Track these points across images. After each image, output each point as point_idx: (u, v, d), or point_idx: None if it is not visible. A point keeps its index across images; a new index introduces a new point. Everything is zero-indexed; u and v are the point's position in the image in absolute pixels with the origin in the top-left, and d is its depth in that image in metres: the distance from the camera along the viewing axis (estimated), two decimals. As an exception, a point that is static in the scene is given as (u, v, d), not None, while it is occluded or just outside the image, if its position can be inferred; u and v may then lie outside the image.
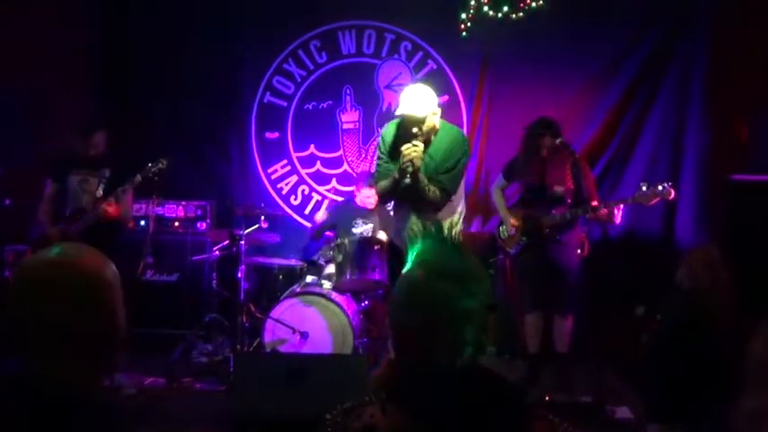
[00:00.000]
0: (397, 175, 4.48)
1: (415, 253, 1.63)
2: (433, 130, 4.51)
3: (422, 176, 4.42)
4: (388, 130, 4.70)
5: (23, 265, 1.62)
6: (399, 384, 1.54)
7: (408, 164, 4.31)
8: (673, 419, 3.38)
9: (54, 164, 5.46)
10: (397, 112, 4.50)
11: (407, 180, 4.41)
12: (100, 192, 5.28)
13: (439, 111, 4.53)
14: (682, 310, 3.59)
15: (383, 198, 5.02)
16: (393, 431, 1.48)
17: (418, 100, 4.42)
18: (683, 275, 3.65)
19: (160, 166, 5.23)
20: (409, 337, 1.58)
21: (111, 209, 5.15)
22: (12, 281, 1.55)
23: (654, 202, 5.10)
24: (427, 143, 4.48)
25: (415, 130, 4.34)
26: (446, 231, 1.64)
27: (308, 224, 7.03)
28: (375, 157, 4.98)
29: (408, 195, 4.55)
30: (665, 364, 3.49)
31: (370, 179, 6.07)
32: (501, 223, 5.74)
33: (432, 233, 1.63)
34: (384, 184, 4.65)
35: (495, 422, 1.48)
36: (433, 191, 4.47)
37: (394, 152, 4.54)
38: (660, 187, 5.05)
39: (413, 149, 4.30)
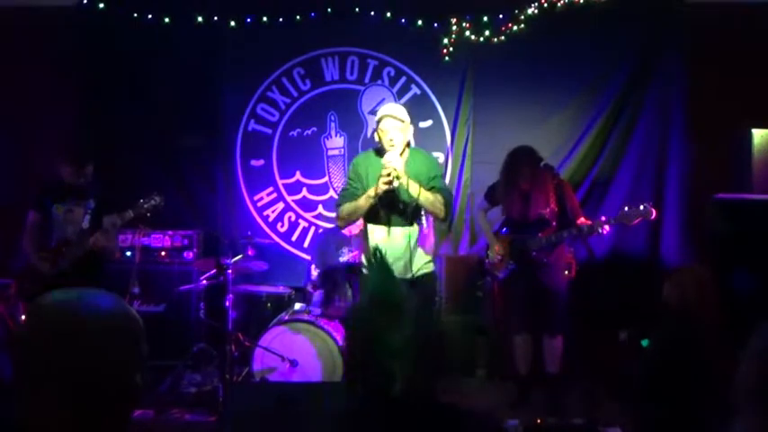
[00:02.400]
0: (373, 193, 4.65)
1: (367, 281, 1.62)
2: (405, 145, 4.75)
3: (412, 184, 4.58)
4: (361, 158, 5.00)
5: (41, 308, 1.45)
6: (349, 421, 1.52)
7: (391, 171, 4.51)
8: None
9: (36, 194, 5.37)
10: (379, 113, 4.75)
11: (396, 184, 4.55)
12: (86, 223, 5.23)
13: (412, 129, 4.84)
14: (670, 328, 3.61)
15: (345, 220, 5.05)
16: None
17: (399, 107, 4.80)
18: (670, 294, 3.67)
19: (153, 202, 5.20)
20: (350, 364, 1.58)
21: (99, 243, 5.11)
22: (28, 326, 1.42)
23: (636, 222, 5.16)
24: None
25: (388, 137, 4.63)
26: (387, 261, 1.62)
27: (297, 251, 7.04)
28: (343, 183, 5.21)
29: (383, 214, 4.72)
30: (656, 381, 3.50)
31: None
32: (488, 247, 5.75)
33: (377, 262, 1.62)
34: (348, 205, 4.82)
35: None
36: (432, 196, 4.64)
37: (366, 179, 4.78)
38: (642, 207, 5.11)
39: (392, 160, 4.54)
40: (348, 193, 4.87)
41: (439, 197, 4.67)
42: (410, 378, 1.44)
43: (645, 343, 4.65)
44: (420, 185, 4.63)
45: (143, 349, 1.47)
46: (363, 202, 4.73)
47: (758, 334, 1.33)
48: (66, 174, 5.21)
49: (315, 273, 6.24)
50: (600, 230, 5.21)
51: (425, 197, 4.61)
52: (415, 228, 4.76)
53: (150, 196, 5.22)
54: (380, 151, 4.79)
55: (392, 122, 4.67)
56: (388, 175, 4.53)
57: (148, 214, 5.23)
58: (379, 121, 4.74)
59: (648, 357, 3.69)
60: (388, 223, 4.75)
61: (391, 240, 4.72)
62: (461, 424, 1.51)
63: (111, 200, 5.30)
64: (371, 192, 4.66)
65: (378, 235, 4.80)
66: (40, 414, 1.36)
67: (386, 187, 4.59)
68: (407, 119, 4.75)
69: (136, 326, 1.48)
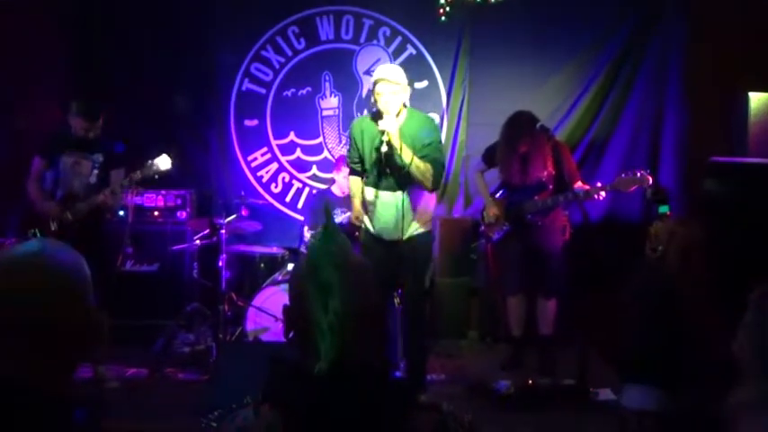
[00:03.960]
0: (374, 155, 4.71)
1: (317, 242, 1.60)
2: (401, 107, 4.74)
3: (405, 150, 4.56)
4: (356, 122, 5.03)
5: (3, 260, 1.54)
6: (274, 384, 1.52)
7: (385, 136, 4.52)
8: (646, 381, 3.40)
9: (45, 141, 5.26)
10: (374, 76, 4.71)
11: (385, 149, 4.55)
12: (93, 178, 5.14)
13: (409, 90, 4.80)
14: (652, 281, 3.61)
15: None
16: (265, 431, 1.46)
17: (393, 68, 4.76)
18: (655, 248, 3.65)
19: (162, 165, 5.14)
20: (288, 329, 1.57)
21: (109, 201, 5.05)
22: None
23: (632, 189, 5.15)
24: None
25: (384, 101, 4.61)
26: (339, 235, 1.60)
27: (290, 212, 7.02)
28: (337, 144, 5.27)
29: (374, 176, 4.75)
30: (640, 330, 3.52)
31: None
32: (484, 209, 5.74)
33: (329, 228, 1.60)
34: (352, 190, 5.06)
35: (371, 420, 1.45)
36: (423, 165, 4.61)
37: (360, 143, 4.82)
38: (638, 174, 5.10)
39: (386, 121, 4.54)
40: (348, 160, 5.04)
41: (429, 168, 4.65)
42: (331, 358, 1.43)
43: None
44: (413, 152, 4.61)
45: (88, 289, 1.54)
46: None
47: (753, 304, 1.32)
48: (76, 126, 5.09)
49: (308, 234, 6.22)
50: (596, 196, 5.20)
51: (416, 166, 4.60)
52: (413, 192, 4.73)
53: (159, 159, 5.14)
54: (376, 114, 4.75)
55: (387, 86, 4.63)
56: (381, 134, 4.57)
57: (156, 176, 5.17)
58: (374, 84, 4.70)
59: (631, 304, 3.69)
60: (377, 186, 4.76)
61: (381, 202, 4.73)
62: (390, 391, 1.51)
63: (117, 151, 5.23)
64: (356, 218, 4.96)
65: (368, 196, 4.81)
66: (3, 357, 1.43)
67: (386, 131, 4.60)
68: (403, 81, 4.70)
69: (80, 267, 1.54)
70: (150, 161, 5.14)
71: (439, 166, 4.76)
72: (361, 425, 1.45)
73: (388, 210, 4.74)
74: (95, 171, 5.13)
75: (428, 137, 4.73)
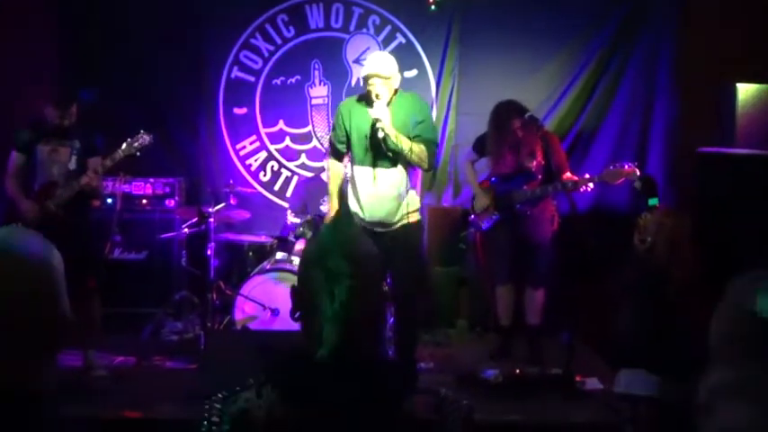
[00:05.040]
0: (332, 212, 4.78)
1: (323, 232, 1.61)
2: (394, 93, 4.73)
3: (400, 136, 4.56)
4: (344, 104, 4.96)
5: None
6: (276, 367, 1.54)
7: (377, 122, 4.50)
8: (639, 367, 3.43)
9: (19, 133, 5.14)
10: (366, 69, 4.67)
11: (381, 135, 4.54)
12: (72, 164, 5.07)
13: (399, 77, 4.76)
14: (642, 269, 3.63)
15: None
16: (266, 414, 1.48)
17: (384, 60, 4.69)
18: (644, 239, 3.67)
19: (142, 141, 5.07)
20: (294, 313, 1.59)
21: (92, 183, 4.98)
22: None
23: (619, 181, 5.16)
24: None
25: (375, 93, 4.57)
26: (349, 220, 1.62)
27: (278, 200, 7.00)
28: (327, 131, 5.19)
29: (370, 159, 4.72)
30: (632, 317, 3.54)
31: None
32: (473, 198, 5.74)
33: (341, 216, 1.61)
34: (330, 175, 4.97)
35: (370, 403, 1.47)
36: (417, 147, 4.61)
37: (348, 125, 4.80)
38: (626, 166, 5.12)
39: (378, 109, 4.52)
40: (333, 140, 4.95)
41: (423, 148, 4.64)
42: (334, 345, 1.45)
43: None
44: (406, 132, 4.62)
45: (61, 281, 1.48)
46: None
47: (735, 286, 1.33)
48: (50, 115, 5.03)
49: (291, 219, 6.21)
50: (584, 188, 5.21)
51: (411, 149, 4.58)
52: (403, 175, 4.73)
53: (139, 135, 5.11)
54: (365, 97, 4.75)
55: (379, 80, 4.62)
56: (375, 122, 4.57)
57: (138, 153, 5.11)
58: (366, 77, 4.68)
59: (622, 290, 3.71)
60: (374, 166, 4.74)
61: (377, 186, 4.72)
62: (387, 373, 1.53)
63: (96, 142, 5.17)
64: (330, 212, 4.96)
65: (364, 180, 4.77)
66: None
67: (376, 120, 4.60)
68: (394, 71, 4.68)
69: (51, 258, 1.49)
70: (130, 139, 5.09)
71: (432, 146, 4.76)
72: (361, 407, 1.47)
73: (384, 193, 4.73)
74: (74, 157, 5.03)
75: (420, 114, 4.74)
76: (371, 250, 1.59)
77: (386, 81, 4.62)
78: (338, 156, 4.92)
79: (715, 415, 1.28)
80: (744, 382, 1.25)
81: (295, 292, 1.59)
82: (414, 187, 4.84)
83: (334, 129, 4.97)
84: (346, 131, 4.82)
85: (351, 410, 1.46)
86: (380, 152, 4.68)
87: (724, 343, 1.32)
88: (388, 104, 4.67)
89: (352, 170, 4.88)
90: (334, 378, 1.46)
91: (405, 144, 4.56)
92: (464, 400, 1.57)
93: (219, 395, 1.58)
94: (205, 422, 1.56)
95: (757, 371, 1.24)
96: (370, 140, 4.65)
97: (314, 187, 6.40)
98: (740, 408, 1.24)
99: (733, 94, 5.89)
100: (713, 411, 1.28)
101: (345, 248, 1.53)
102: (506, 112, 5.37)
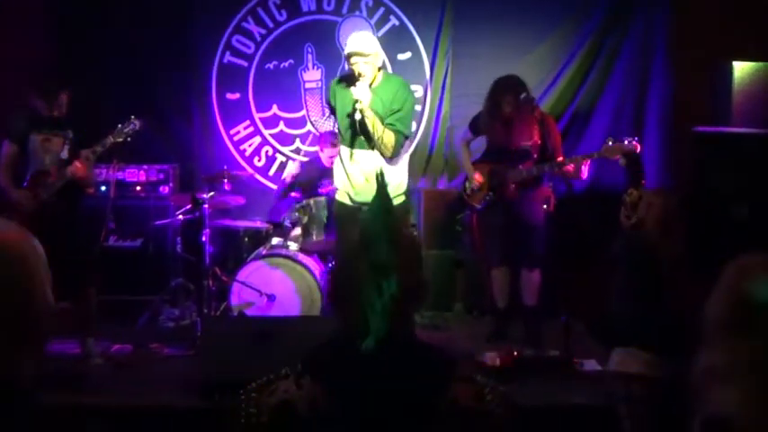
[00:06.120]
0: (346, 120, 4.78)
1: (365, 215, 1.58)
2: (376, 72, 4.77)
3: (375, 118, 4.62)
4: (333, 83, 5.03)
5: None
6: (315, 357, 1.52)
7: (358, 104, 4.57)
8: (632, 344, 3.43)
9: (12, 123, 5.10)
10: (346, 49, 4.74)
11: (359, 117, 4.61)
12: (65, 154, 5.03)
13: (383, 55, 4.84)
14: (633, 246, 3.63)
15: None
16: (308, 404, 1.46)
17: (363, 39, 4.75)
18: (629, 216, 3.66)
19: (133, 126, 5.05)
20: (333, 303, 1.57)
21: (79, 169, 4.94)
22: None
23: (618, 157, 5.13)
24: (370, 88, 4.72)
25: (357, 72, 4.63)
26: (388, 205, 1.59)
27: (274, 186, 6.97)
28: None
29: (349, 137, 4.80)
30: (623, 294, 3.55)
31: (333, 138, 6.00)
32: (466, 179, 5.72)
33: (379, 194, 1.58)
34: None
35: (413, 393, 1.46)
36: (387, 135, 4.67)
37: (336, 103, 4.90)
38: (626, 141, 5.09)
39: (359, 89, 4.58)
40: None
41: (393, 139, 4.71)
42: (379, 335, 1.43)
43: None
44: (382, 116, 4.68)
45: (42, 272, 1.44)
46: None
47: (730, 268, 1.32)
48: (39, 107, 5.00)
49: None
50: (580, 174, 5.20)
51: (380, 135, 4.65)
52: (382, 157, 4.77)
53: (129, 121, 5.08)
54: (350, 77, 4.81)
55: (360, 58, 4.68)
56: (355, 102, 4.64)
57: (129, 139, 5.08)
58: (347, 57, 4.74)
59: (615, 267, 3.71)
60: (352, 146, 4.81)
61: (356, 166, 4.79)
62: (430, 362, 1.52)
63: (89, 131, 5.14)
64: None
65: (346, 159, 4.87)
66: None
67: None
68: (374, 49, 4.72)
69: (33, 249, 1.45)
70: (120, 125, 5.06)
71: (401, 138, 4.79)
72: (403, 398, 1.46)
73: (362, 171, 4.76)
74: (67, 146, 5.00)
75: (398, 103, 4.76)
76: (413, 235, 1.59)
77: (367, 59, 4.67)
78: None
79: (705, 398, 1.27)
80: (733, 366, 1.25)
81: (333, 281, 1.57)
82: (393, 166, 4.83)
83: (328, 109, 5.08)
84: (332, 109, 4.94)
85: (397, 402, 1.45)
86: (358, 133, 4.76)
87: (715, 327, 1.31)
88: (372, 85, 4.71)
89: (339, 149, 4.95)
90: (377, 369, 1.45)
91: (378, 129, 4.63)
92: (501, 387, 1.56)
93: (254, 384, 1.55)
94: (243, 412, 1.52)
95: (746, 355, 1.24)
96: (350, 120, 4.72)
97: (310, 170, 6.38)
98: (729, 391, 1.24)
99: (729, 72, 5.87)
100: (704, 394, 1.28)
101: (392, 235, 1.51)
102: (501, 88, 5.36)
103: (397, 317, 1.47)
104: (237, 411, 1.52)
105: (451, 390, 1.49)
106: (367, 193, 4.75)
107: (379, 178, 1.60)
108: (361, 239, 1.52)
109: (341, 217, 5.03)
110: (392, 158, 4.79)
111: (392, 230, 1.53)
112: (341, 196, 4.99)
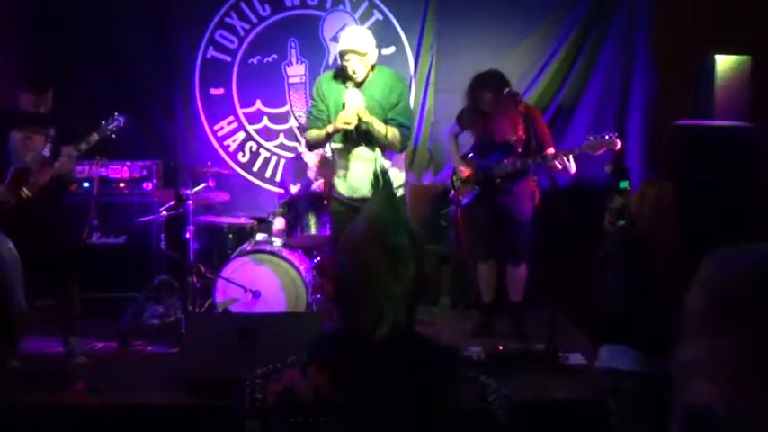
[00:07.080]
0: (330, 130, 4.70)
1: (368, 207, 1.59)
2: (371, 69, 4.73)
3: (375, 122, 4.58)
4: (323, 78, 4.94)
5: None
6: (321, 346, 1.53)
7: (350, 118, 4.53)
8: (621, 341, 3.44)
9: None
10: (341, 45, 4.66)
11: (363, 126, 4.58)
12: (46, 152, 4.99)
13: (377, 51, 4.77)
14: (623, 239, 3.64)
15: (312, 147, 5.25)
16: (313, 393, 1.47)
17: (360, 36, 4.67)
18: (613, 222, 3.68)
19: (117, 123, 5.02)
20: (339, 294, 1.56)
21: (65, 168, 4.88)
22: None
23: (600, 152, 5.15)
24: (363, 85, 4.71)
25: (351, 70, 4.59)
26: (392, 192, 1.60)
27: (259, 182, 6.96)
28: (308, 105, 5.25)
29: (352, 141, 4.74)
30: (610, 289, 3.56)
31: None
32: (454, 172, 5.72)
33: (383, 185, 1.59)
34: (314, 133, 4.87)
35: (417, 387, 1.47)
36: (391, 132, 4.63)
37: (327, 101, 4.80)
38: (606, 137, 5.11)
39: (351, 96, 4.57)
40: (313, 116, 4.91)
41: (397, 134, 4.67)
42: (396, 323, 1.44)
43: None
44: (380, 113, 4.64)
45: (14, 273, 1.44)
46: (325, 136, 4.82)
47: (709, 261, 1.33)
48: (25, 102, 4.94)
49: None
50: (562, 165, 5.20)
51: (384, 134, 4.62)
52: (378, 153, 4.74)
53: (113, 117, 5.04)
54: (342, 73, 4.76)
55: (355, 56, 4.61)
56: (348, 122, 4.58)
57: (113, 135, 5.05)
58: (342, 53, 4.65)
59: (603, 264, 3.71)
60: (347, 143, 4.79)
61: (353, 163, 4.76)
62: (436, 360, 1.53)
63: (70, 129, 5.09)
64: (330, 128, 4.72)
65: (342, 156, 4.81)
66: None
67: (345, 127, 4.62)
68: (370, 47, 4.67)
69: (13, 254, 1.46)
70: (104, 122, 5.03)
71: (406, 131, 4.78)
72: (407, 391, 1.46)
73: (361, 169, 4.73)
74: (49, 144, 4.96)
75: (396, 96, 4.73)
76: (417, 228, 1.59)
77: (362, 57, 4.60)
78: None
79: (686, 391, 1.28)
80: (712, 359, 1.25)
81: (335, 274, 1.56)
82: (394, 163, 4.84)
83: (312, 105, 4.96)
84: (326, 107, 4.83)
85: (401, 393, 1.45)
86: (356, 135, 4.71)
87: (694, 319, 1.31)
88: (364, 81, 4.65)
89: (331, 147, 4.90)
90: (383, 360, 1.46)
91: (381, 129, 4.59)
92: (504, 389, 1.57)
93: (260, 371, 1.55)
94: (248, 398, 1.53)
95: (725, 348, 1.24)
96: (353, 131, 4.67)
97: (292, 167, 6.37)
98: (709, 384, 1.24)
99: (711, 65, 5.89)
100: (684, 387, 1.28)
101: (407, 224, 1.53)
102: (478, 84, 5.36)
103: (414, 304, 1.49)
104: (242, 396, 1.53)
105: (455, 388, 1.50)
106: (364, 189, 4.73)
107: (379, 170, 1.60)
108: (369, 228, 1.52)
109: (337, 213, 4.99)
110: (402, 150, 4.83)
111: (406, 219, 1.55)
112: (337, 192, 4.98)
